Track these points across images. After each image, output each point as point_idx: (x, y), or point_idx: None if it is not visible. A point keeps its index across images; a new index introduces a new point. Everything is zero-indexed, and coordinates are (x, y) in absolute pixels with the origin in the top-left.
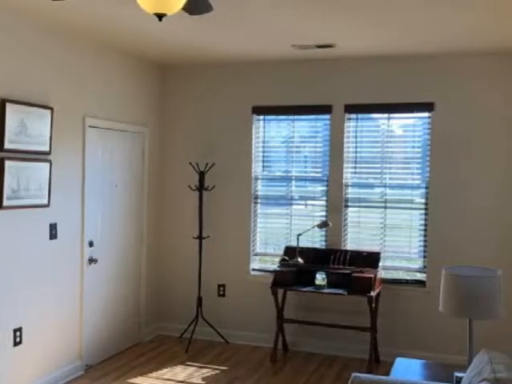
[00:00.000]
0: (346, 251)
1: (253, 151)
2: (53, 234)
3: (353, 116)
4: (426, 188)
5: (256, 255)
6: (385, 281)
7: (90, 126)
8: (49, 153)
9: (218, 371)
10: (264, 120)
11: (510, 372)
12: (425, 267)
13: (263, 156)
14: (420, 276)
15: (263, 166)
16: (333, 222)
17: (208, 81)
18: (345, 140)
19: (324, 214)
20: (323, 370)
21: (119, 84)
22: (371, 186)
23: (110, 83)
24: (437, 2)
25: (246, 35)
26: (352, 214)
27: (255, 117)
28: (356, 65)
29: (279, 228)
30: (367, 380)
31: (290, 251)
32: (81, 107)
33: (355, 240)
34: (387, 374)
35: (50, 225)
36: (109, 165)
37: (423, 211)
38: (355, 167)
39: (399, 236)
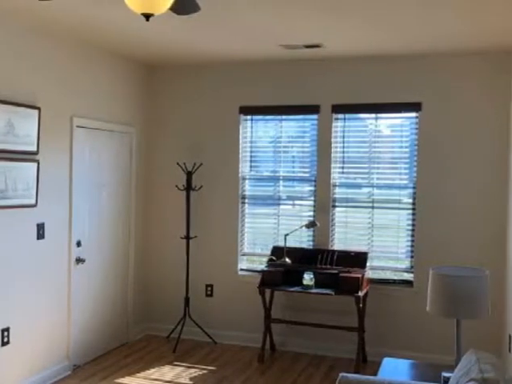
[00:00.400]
0: (334, 251)
1: (240, 151)
2: (40, 234)
3: (340, 116)
4: (414, 188)
5: (244, 255)
6: (372, 281)
7: (77, 126)
8: (36, 153)
9: (205, 371)
10: (251, 120)
11: (498, 372)
12: (412, 267)
13: (251, 156)
14: (407, 276)
15: (251, 166)
16: (320, 221)
17: (195, 81)
18: (332, 140)
19: (312, 213)
20: (311, 370)
21: (107, 84)
22: (359, 186)
23: (98, 83)
24: (424, 3)
25: (233, 35)
26: (339, 214)
27: (242, 117)
28: (343, 65)
29: (267, 228)
30: (355, 380)
31: (277, 251)
32: (68, 107)
33: (343, 240)
34: (375, 374)
35: (38, 225)
36: (96, 165)
37: (411, 211)
38: (343, 167)
39: (387, 236)
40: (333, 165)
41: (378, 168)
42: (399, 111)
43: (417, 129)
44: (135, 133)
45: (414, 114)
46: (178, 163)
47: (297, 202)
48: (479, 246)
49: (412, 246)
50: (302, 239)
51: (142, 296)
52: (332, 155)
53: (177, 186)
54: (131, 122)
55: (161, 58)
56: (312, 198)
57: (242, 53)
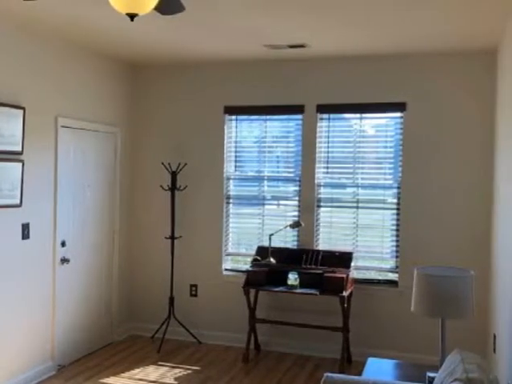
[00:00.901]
0: (319, 251)
1: (225, 151)
2: (25, 234)
3: (325, 116)
4: (398, 188)
5: (228, 255)
6: (357, 281)
7: (62, 126)
8: (21, 153)
9: (190, 371)
10: (236, 120)
11: (482, 372)
12: (397, 267)
13: (235, 156)
14: (392, 276)
15: (235, 166)
16: (305, 221)
17: (180, 81)
18: (317, 140)
19: (296, 213)
20: (295, 369)
21: (91, 84)
22: (343, 186)
23: (83, 83)
24: (408, 3)
25: (217, 35)
26: (324, 213)
27: (227, 117)
28: (328, 65)
29: (251, 228)
30: (339, 380)
31: (262, 251)
32: (53, 107)
33: (327, 240)
34: (359, 374)
35: (23, 225)
36: (81, 165)
37: (395, 211)
38: (327, 167)
39: (371, 236)
40: (317, 165)
41: (362, 168)
42: (384, 111)
43: (401, 129)
44: (120, 133)
45: (398, 114)
46: (162, 163)
47: (281, 202)
48: (464, 246)
49: (397, 245)
50: (287, 239)
51: (127, 296)
52: (317, 155)
53: (161, 186)
54: (116, 122)
55: (146, 58)
56: (297, 198)
57: (227, 53)
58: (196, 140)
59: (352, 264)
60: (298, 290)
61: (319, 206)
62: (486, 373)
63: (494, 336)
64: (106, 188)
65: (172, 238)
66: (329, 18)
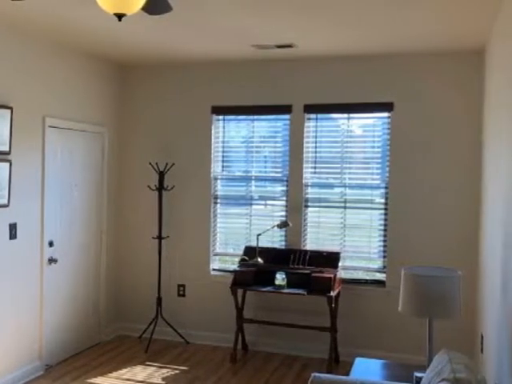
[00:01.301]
0: (306, 251)
1: (212, 151)
2: (12, 234)
3: (312, 116)
4: (386, 188)
5: (216, 255)
6: (344, 281)
7: (49, 126)
8: (8, 153)
9: (177, 371)
10: (224, 120)
11: (470, 372)
12: (384, 267)
13: (223, 156)
14: (380, 276)
15: (223, 166)
16: (293, 221)
17: (168, 81)
18: (304, 140)
19: (284, 213)
20: (283, 369)
21: (79, 84)
22: (331, 186)
23: (70, 83)
24: (396, 3)
25: (205, 35)
26: (312, 214)
27: (215, 117)
28: (315, 65)
29: (239, 228)
30: (327, 380)
31: (249, 251)
32: (41, 107)
33: (315, 240)
34: (347, 374)
35: (10, 225)
36: (69, 165)
37: (383, 211)
38: (315, 167)
39: (359, 236)
40: (305, 165)
41: (350, 168)
42: (371, 111)
43: (389, 129)
44: (107, 133)
45: (386, 114)
46: (150, 163)
47: (269, 202)
48: (451, 246)
49: (384, 245)
50: (275, 239)
51: (115, 296)
52: (304, 155)
53: (149, 186)
54: (103, 122)
55: (133, 58)
56: (284, 198)
57: (214, 53)
58: (183, 140)
59: (339, 264)
60: (286, 290)
61: (307, 206)
62: (474, 373)
63: (482, 336)
64: (93, 188)
65: (159, 238)
66: (316, 18)
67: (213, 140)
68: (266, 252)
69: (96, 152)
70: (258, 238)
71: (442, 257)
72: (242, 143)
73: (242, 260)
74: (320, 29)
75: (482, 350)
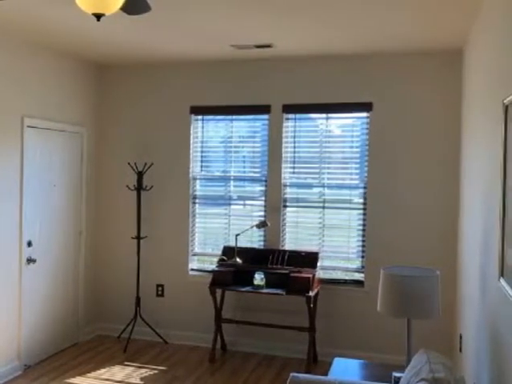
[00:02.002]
0: (285, 251)
1: (191, 151)
2: None
3: (291, 116)
4: (365, 188)
5: (194, 255)
6: (323, 281)
7: (28, 126)
8: None
9: (156, 371)
10: (202, 120)
11: (448, 372)
12: (363, 267)
13: (201, 156)
14: (358, 276)
15: (201, 166)
16: (271, 221)
17: (146, 80)
18: (283, 140)
19: (262, 213)
20: (261, 369)
21: (58, 84)
22: (309, 186)
23: (49, 83)
24: (376, 4)
25: (184, 35)
26: (290, 214)
27: (193, 117)
28: (294, 65)
29: (218, 228)
30: (305, 380)
31: (228, 251)
32: (19, 107)
33: (294, 240)
34: (325, 374)
35: None
36: (47, 164)
37: (361, 211)
38: (294, 167)
39: (338, 236)
40: (283, 165)
41: (328, 168)
42: (350, 111)
43: (368, 129)
44: (86, 133)
45: (364, 114)
46: (128, 163)
47: (248, 202)
48: (430, 246)
49: (363, 245)
50: (253, 239)
51: (93, 296)
52: (283, 155)
53: (127, 186)
54: (82, 122)
55: (111, 58)
56: (263, 198)
57: (193, 53)
58: (162, 140)
59: (318, 264)
60: (264, 290)
61: (285, 206)
62: (452, 373)
63: (461, 336)
64: (72, 188)
65: (138, 238)
66: (295, 18)
67: (191, 140)
68: (244, 252)
69: (75, 152)
70: (236, 238)
71: (421, 257)
72: (220, 143)
73: (221, 260)
74: (299, 29)
75: (460, 349)
